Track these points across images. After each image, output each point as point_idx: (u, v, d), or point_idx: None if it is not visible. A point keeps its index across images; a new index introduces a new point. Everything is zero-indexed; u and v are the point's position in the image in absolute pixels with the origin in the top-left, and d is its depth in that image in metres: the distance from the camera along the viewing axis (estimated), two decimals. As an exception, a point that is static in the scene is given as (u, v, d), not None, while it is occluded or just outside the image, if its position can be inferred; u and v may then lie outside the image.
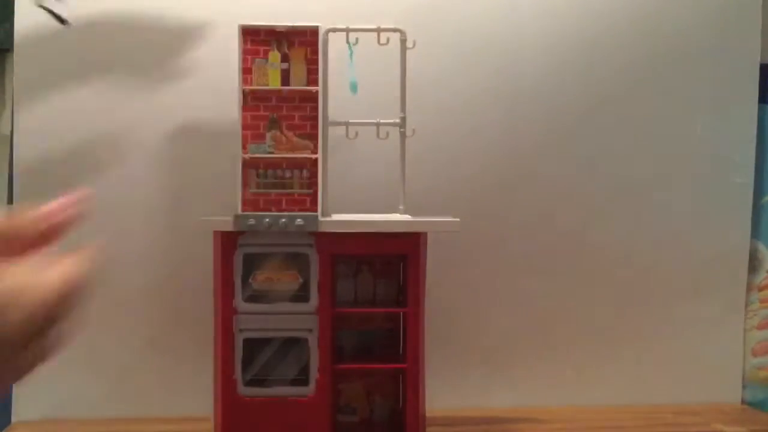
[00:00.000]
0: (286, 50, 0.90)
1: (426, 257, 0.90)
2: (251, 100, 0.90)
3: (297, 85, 0.90)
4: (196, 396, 0.99)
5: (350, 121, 0.92)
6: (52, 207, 0.42)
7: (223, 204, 0.94)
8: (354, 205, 0.97)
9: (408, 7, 1.06)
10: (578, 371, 1.14)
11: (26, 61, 1.02)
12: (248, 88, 0.90)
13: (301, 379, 0.88)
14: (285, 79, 0.90)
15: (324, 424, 0.88)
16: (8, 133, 1.06)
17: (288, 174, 0.91)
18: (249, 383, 0.88)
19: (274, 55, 0.90)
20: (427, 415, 0.92)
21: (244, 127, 0.90)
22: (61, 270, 0.40)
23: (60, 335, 0.41)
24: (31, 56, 1.02)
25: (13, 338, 0.36)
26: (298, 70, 0.90)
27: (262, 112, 0.90)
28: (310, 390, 0.88)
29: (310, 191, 0.90)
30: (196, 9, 1.05)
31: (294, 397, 0.88)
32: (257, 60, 0.90)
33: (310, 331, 0.88)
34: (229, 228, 0.86)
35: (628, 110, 1.13)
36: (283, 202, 0.90)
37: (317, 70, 0.90)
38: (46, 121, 1.03)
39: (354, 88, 0.91)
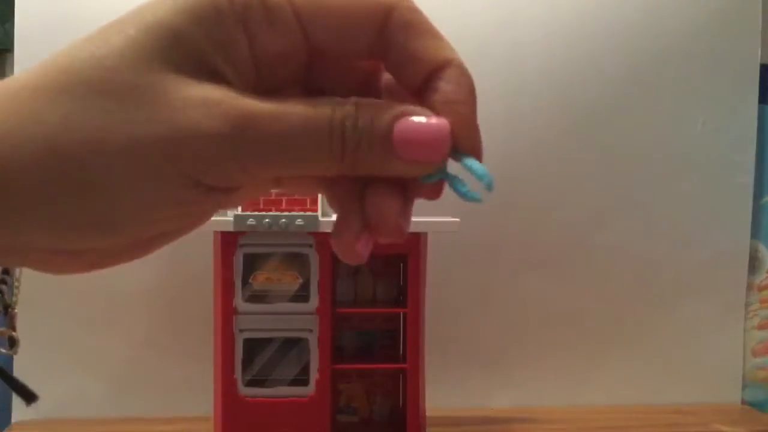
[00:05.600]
0: (286, 50, 0.90)
1: (426, 257, 0.90)
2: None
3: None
4: (196, 396, 0.99)
5: (350, 121, 0.92)
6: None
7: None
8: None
9: (408, 7, 1.06)
10: (578, 371, 1.14)
11: (26, 61, 1.02)
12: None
13: (301, 379, 0.88)
14: (285, 79, 0.90)
15: (324, 424, 0.88)
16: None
17: (288, 174, 0.91)
18: (249, 383, 0.88)
19: (274, 55, 0.90)
20: (427, 415, 0.92)
21: (244, 127, 0.90)
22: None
23: None
24: (31, 56, 1.02)
25: None
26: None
27: (262, 112, 0.90)
28: (310, 390, 0.88)
29: (310, 191, 0.90)
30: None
31: (294, 397, 0.88)
32: (257, 60, 0.90)
33: (310, 331, 0.88)
34: (229, 228, 0.86)
35: (627, 110, 1.13)
36: (283, 202, 0.90)
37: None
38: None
39: None
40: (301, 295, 0.88)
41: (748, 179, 1.15)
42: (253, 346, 0.88)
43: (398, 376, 0.95)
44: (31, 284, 1.04)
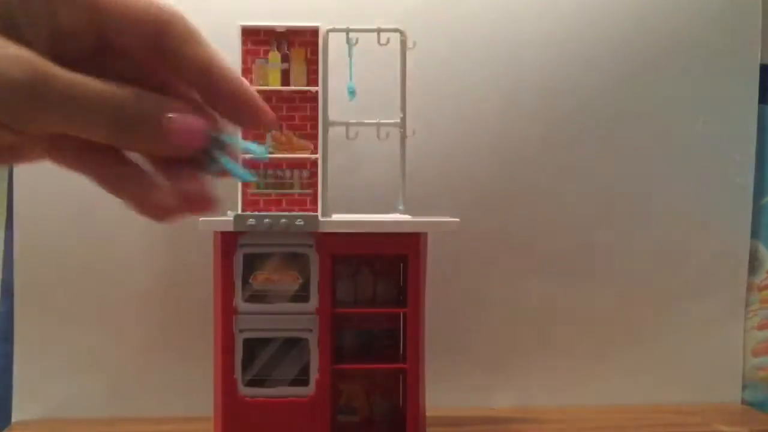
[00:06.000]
0: (286, 50, 0.90)
1: (426, 257, 0.90)
2: (251, 100, 0.90)
3: (297, 86, 0.90)
4: (196, 396, 0.99)
5: (350, 121, 0.92)
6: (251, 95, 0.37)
7: (223, 204, 0.94)
8: (354, 205, 0.97)
9: (408, 7, 1.06)
10: (578, 371, 1.14)
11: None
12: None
13: (301, 379, 0.88)
14: (285, 79, 0.90)
15: (324, 424, 0.88)
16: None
17: (288, 174, 0.91)
18: (249, 383, 0.88)
19: (274, 56, 0.90)
20: (427, 415, 0.92)
21: (244, 127, 0.90)
22: None
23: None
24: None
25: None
26: (298, 71, 0.90)
27: (262, 112, 0.90)
28: (310, 390, 0.88)
29: (310, 191, 0.90)
30: (196, 9, 1.05)
31: (294, 397, 0.88)
32: (257, 60, 0.90)
33: (310, 331, 0.88)
34: (229, 228, 0.86)
35: (627, 110, 1.13)
36: (284, 202, 0.90)
37: (317, 70, 0.90)
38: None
39: (352, 94, 0.91)
40: (301, 295, 0.88)
41: (748, 179, 1.15)
42: (253, 346, 0.88)
43: (398, 376, 0.95)
44: (32, 284, 1.04)
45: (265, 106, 0.37)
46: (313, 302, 0.88)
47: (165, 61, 0.35)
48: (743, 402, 1.17)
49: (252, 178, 0.39)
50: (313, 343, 0.88)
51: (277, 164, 0.90)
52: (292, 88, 0.90)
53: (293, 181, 0.91)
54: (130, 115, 0.33)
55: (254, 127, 0.38)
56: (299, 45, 0.90)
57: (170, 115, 0.34)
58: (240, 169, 0.36)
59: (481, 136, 1.10)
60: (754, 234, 1.16)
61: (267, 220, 0.86)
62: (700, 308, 1.15)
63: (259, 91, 0.94)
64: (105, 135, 0.34)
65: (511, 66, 1.10)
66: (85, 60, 0.34)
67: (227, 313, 0.87)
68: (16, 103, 0.32)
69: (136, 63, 0.36)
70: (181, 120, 0.35)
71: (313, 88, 0.90)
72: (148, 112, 0.34)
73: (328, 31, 0.91)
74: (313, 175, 0.90)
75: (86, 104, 0.33)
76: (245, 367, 0.88)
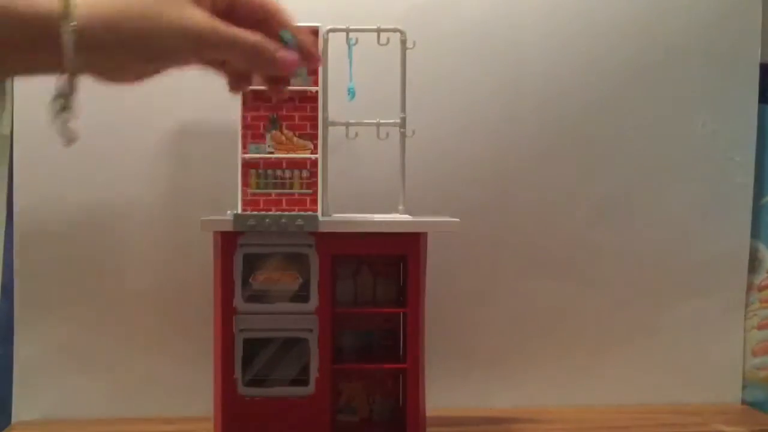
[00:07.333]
0: (287, 50, 0.90)
1: (426, 257, 0.90)
2: (251, 100, 0.90)
3: (297, 86, 0.90)
4: (196, 396, 0.99)
5: (350, 121, 0.92)
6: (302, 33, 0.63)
7: (223, 204, 0.94)
8: (354, 205, 0.97)
9: (408, 7, 1.06)
10: (578, 371, 1.14)
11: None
12: (248, 88, 0.89)
13: (301, 379, 0.88)
14: (285, 79, 0.90)
15: (324, 424, 0.88)
16: (8, 133, 1.06)
17: (288, 174, 0.91)
18: (249, 383, 0.88)
19: (274, 55, 0.90)
20: (427, 415, 0.92)
21: (244, 127, 0.90)
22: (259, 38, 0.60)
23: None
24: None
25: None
26: (298, 71, 0.90)
27: (262, 112, 0.90)
28: (310, 390, 0.88)
29: (310, 191, 0.90)
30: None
31: (294, 397, 0.88)
32: (257, 60, 0.90)
33: (310, 331, 0.88)
34: (229, 228, 0.86)
35: (627, 110, 1.13)
36: (283, 202, 0.90)
37: (317, 70, 0.90)
38: (45, 122, 1.03)
39: (352, 95, 0.91)
40: (301, 295, 0.88)
41: (748, 179, 1.15)
42: (253, 346, 0.88)
43: (398, 376, 0.95)
44: (32, 284, 1.04)
45: (317, 53, 0.66)
46: (313, 302, 0.88)
47: (262, 20, 0.62)
48: (743, 402, 1.17)
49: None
50: (313, 343, 0.88)
51: (277, 164, 0.90)
52: (292, 88, 0.90)
53: (293, 181, 0.91)
54: (260, 52, 0.59)
55: (309, 61, 0.65)
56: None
57: (279, 53, 0.60)
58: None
59: (481, 136, 1.10)
60: (754, 234, 1.16)
61: (267, 220, 0.86)
62: (700, 308, 1.15)
63: (259, 91, 0.94)
64: (244, 62, 0.60)
65: (512, 66, 1.10)
66: (223, 17, 0.59)
67: (227, 313, 0.87)
68: (203, 40, 0.57)
69: (247, 21, 0.61)
70: (284, 56, 0.61)
71: (313, 88, 0.90)
72: (270, 51, 0.60)
73: (328, 31, 0.91)
74: (313, 175, 0.90)
75: (238, 44, 0.58)
76: (245, 367, 0.88)
